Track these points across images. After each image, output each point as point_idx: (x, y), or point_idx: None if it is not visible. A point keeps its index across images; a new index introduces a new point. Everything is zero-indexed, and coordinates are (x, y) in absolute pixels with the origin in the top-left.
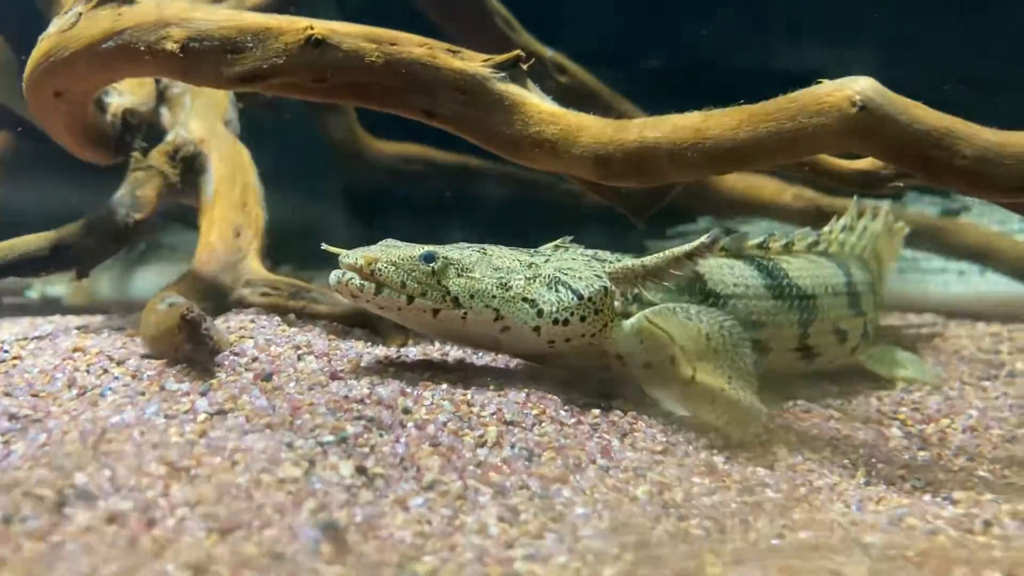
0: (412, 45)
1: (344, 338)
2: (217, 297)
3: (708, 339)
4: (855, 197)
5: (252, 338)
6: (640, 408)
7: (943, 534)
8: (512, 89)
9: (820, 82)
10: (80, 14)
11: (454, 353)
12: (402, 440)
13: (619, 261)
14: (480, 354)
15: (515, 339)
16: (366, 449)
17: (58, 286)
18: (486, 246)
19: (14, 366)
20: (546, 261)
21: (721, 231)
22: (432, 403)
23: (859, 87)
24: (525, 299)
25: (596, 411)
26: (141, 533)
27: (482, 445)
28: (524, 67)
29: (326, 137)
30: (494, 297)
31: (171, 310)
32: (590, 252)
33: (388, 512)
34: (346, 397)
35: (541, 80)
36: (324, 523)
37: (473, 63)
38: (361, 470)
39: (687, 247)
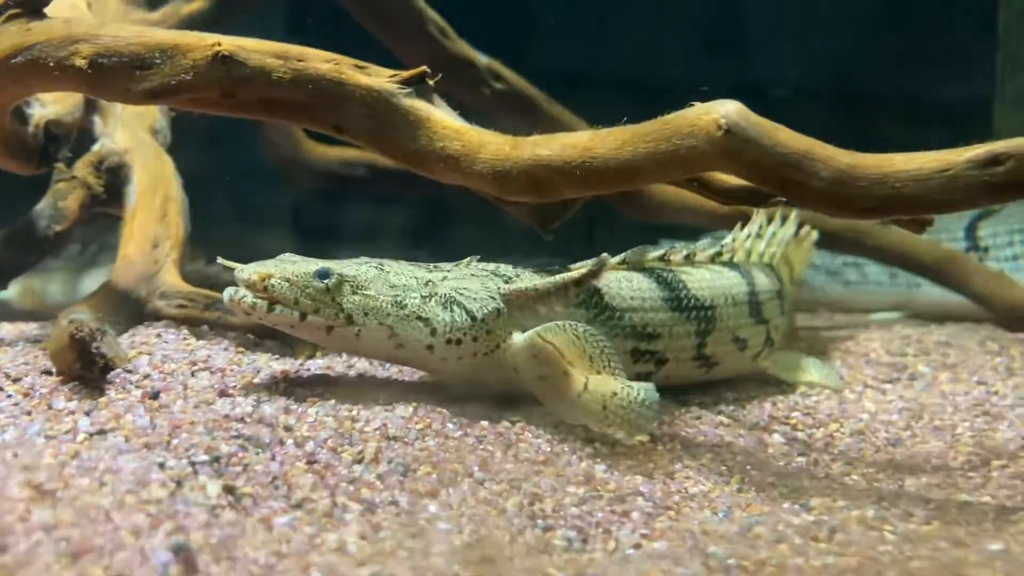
0: (319, 61)
1: (253, 350)
2: (132, 309)
3: (591, 360)
4: (760, 207)
5: (149, 354)
6: (531, 418)
7: (787, 542)
8: (418, 105)
9: (692, 105)
10: None
11: (360, 365)
12: (278, 458)
13: (517, 279)
14: (387, 367)
15: (409, 356)
16: (239, 468)
17: (6, 289)
18: (384, 261)
19: None
20: (444, 279)
21: (606, 257)
22: (315, 420)
23: (724, 111)
24: (419, 318)
25: (485, 423)
26: None
27: (359, 461)
28: (431, 83)
29: (265, 142)
30: (388, 315)
31: (66, 327)
32: (491, 267)
33: (248, 532)
34: (227, 416)
35: (477, 87)
36: (176, 545)
37: (380, 79)
38: (229, 490)
39: (575, 274)
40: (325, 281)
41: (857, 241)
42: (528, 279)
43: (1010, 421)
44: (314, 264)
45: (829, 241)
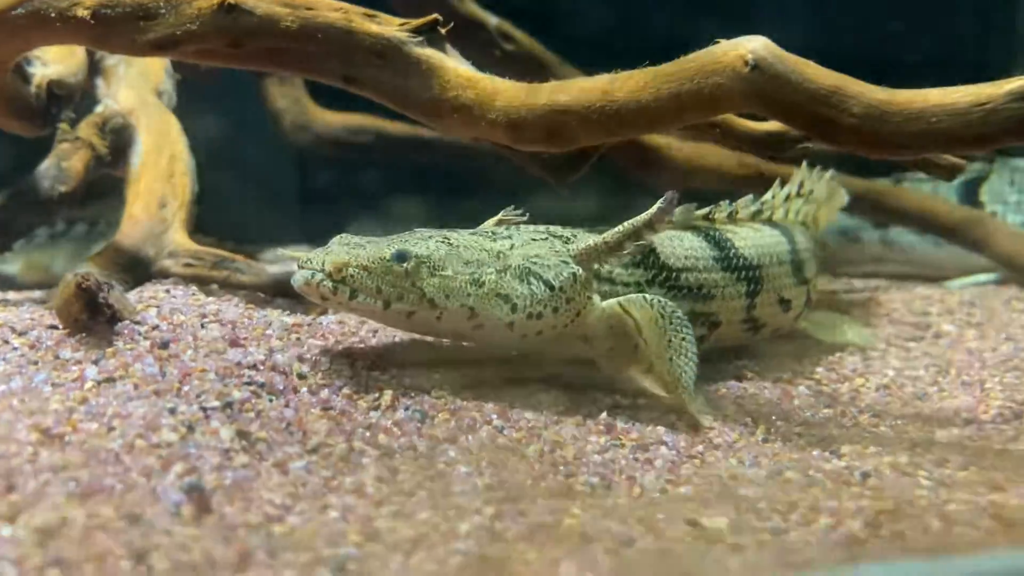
0: (328, 10)
1: (263, 307)
2: (139, 269)
3: (668, 343)
4: (804, 162)
5: (157, 307)
6: (550, 368)
7: (819, 486)
8: (430, 53)
9: (717, 42)
10: None
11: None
12: (292, 405)
13: (575, 238)
14: None
15: (486, 335)
16: (252, 414)
17: (11, 263)
18: (448, 234)
19: None
20: (512, 248)
21: (674, 193)
22: (330, 368)
23: (752, 46)
24: (498, 294)
25: (504, 372)
26: None
27: (376, 408)
28: (443, 31)
29: (270, 107)
30: (468, 295)
31: (72, 280)
32: (543, 228)
33: (264, 475)
34: (238, 364)
35: (487, 48)
36: (189, 486)
37: (390, 27)
38: (243, 435)
39: (645, 216)
40: (404, 265)
41: (877, 202)
42: (586, 236)
43: None
44: (386, 246)
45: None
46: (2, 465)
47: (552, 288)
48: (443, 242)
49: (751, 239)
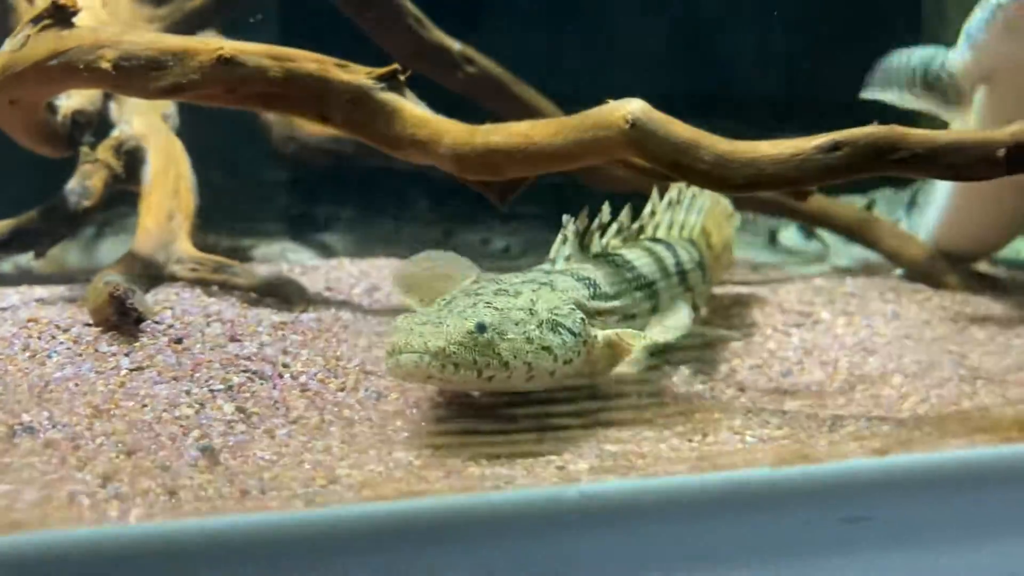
0: (307, 61)
1: (255, 306)
2: (152, 273)
3: None
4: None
5: (171, 308)
6: None
7: (667, 443)
8: (391, 97)
9: (607, 102)
10: (28, 36)
11: (345, 317)
12: (278, 387)
13: (554, 281)
14: (368, 319)
15: (535, 384)
16: (247, 395)
17: (44, 257)
18: (483, 297)
19: None
20: (532, 302)
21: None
22: (307, 358)
23: (631, 108)
24: (543, 347)
25: None
26: (68, 454)
27: (342, 390)
28: (402, 78)
29: (261, 119)
30: (527, 352)
31: (104, 288)
32: (530, 278)
33: (257, 439)
34: (236, 355)
35: (451, 71)
36: (203, 446)
37: (359, 75)
38: (241, 409)
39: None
40: (485, 335)
41: (787, 206)
42: (565, 278)
43: (881, 355)
44: (464, 321)
45: (763, 207)
46: (69, 431)
47: (575, 335)
48: (488, 307)
49: (643, 255)
